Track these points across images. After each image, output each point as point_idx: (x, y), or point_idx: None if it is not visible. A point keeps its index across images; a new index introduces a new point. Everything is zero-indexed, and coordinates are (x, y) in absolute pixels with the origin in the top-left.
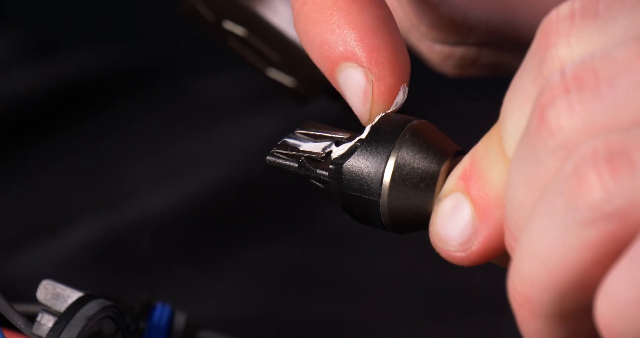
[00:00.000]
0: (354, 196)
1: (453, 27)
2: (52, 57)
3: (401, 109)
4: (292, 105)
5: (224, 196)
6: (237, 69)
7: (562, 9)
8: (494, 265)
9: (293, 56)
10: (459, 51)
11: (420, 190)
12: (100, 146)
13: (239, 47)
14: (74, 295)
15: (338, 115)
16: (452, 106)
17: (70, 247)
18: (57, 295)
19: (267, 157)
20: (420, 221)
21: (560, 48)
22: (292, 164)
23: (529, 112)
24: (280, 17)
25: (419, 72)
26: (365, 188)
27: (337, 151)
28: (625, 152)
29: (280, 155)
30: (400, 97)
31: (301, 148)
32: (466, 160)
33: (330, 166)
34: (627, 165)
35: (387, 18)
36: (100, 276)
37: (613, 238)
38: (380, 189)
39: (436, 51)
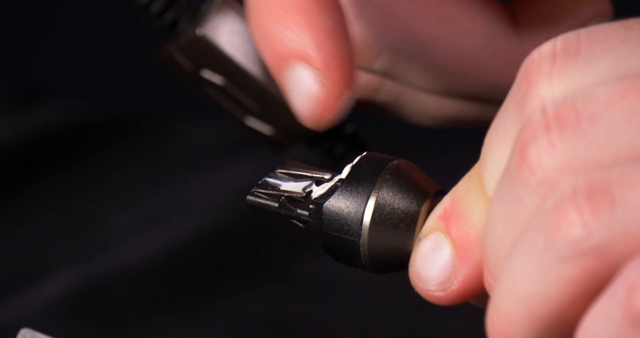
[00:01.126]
0: (335, 235)
1: (362, 48)
2: (30, 107)
3: (381, 150)
4: (271, 153)
5: (202, 244)
6: (215, 118)
7: (544, 49)
8: (475, 313)
9: (271, 105)
10: (364, 78)
11: (400, 230)
12: (79, 195)
13: (217, 96)
14: None
15: (316, 163)
16: (425, 157)
17: (49, 296)
18: None
19: (248, 196)
20: (400, 261)
21: (541, 87)
22: (272, 203)
23: (509, 150)
24: (258, 66)
25: (393, 125)
26: (346, 228)
27: (317, 191)
28: (606, 189)
29: (261, 195)
30: (347, 105)
31: (282, 188)
32: (446, 200)
33: (311, 206)
34: (607, 202)
35: (343, 22)
36: (79, 325)
37: (592, 275)
38: (361, 230)
39: None
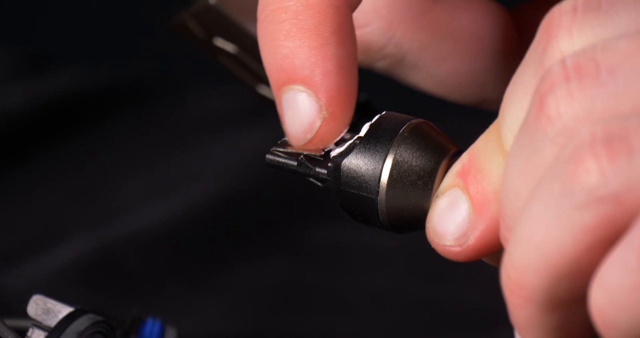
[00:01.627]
0: (352, 193)
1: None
2: (42, 75)
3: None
4: None
5: (214, 212)
6: (227, 85)
7: (565, 4)
8: (488, 281)
9: None
10: (363, 43)
11: (418, 188)
12: (91, 162)
13: (229, 64)
14: (64, 310)
15: None
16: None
17: (61, 263)
18: (48, 310)
19: (267, 155)
20: (418, 219)
21: (561, 40)
22: (291, 162)
23: (528, 105)
24: None
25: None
26: (364, 185)
27: (335, 150)
28: (624, 137)
29: (280, 153)
30: (339, 137)
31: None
32: (464, 156)
33: (329, 164)
34: (625, 150)
35: (355, 56)
36: (91, 291)
37: (609, 223)
38: (379, 187)
39: None
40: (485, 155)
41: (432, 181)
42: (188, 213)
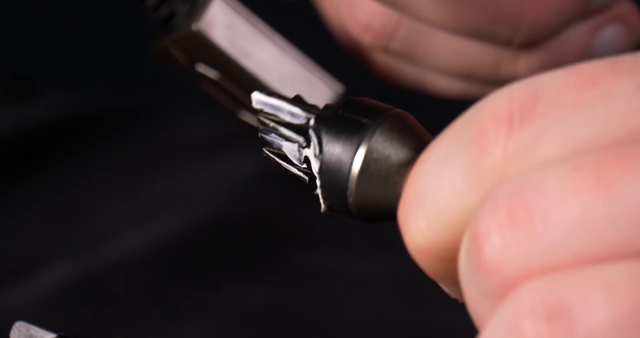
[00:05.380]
0: (327, 179)
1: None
2: (23, 100)
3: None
4: None
5: (198, 237)
6: (209, 111)
7: (500, 107)
8: None
9: None
10: (378, 21)
11: (391, 179)
12: (73, 188)
13: (212, 90)
14: (47, 336)
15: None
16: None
17: (44, 289)
18: (31, 336)
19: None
20: (389, 210)
21: (496, 156)
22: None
23: (465, 239)
24: (252, 61)
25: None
26: (336, 176)
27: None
28: (564, 309)
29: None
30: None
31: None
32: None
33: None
34: (566, 325)
35: None
36: (74, 318)
37: None
38: (349, 179)
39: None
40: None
41: (404, 171)
42: (171, 238)
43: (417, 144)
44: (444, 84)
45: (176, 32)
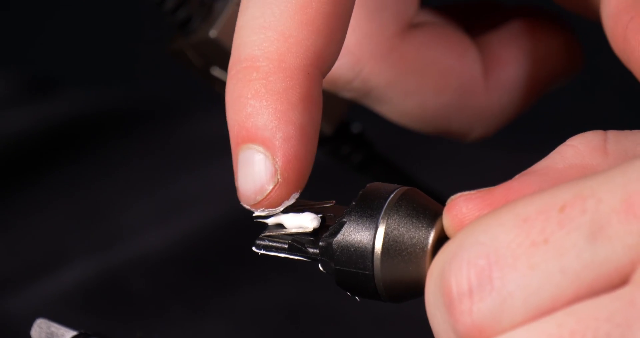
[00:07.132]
0: (348, 271)
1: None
2: (44, 98)
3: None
4: None
5: (218, 235)
6: None
7: (458, 281)
8: None
9: None
10: (332, 73)
11: (412, 256)
12: (95, 185)
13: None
14: (68, 334)
15: (323, 162)
16: (434, 153)
17: (65, 286)
18: (52, 334)
19: (256, 241)
20: (416, 288)
21: (466, 323)
22: (281, 246)
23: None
24: None
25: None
26: (359, 262)
27: (325, 229)
28: None
29: (269, 238)
30: (290, 202)
31: (288, 231)
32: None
33: (321, 244)
34: None
35: (318, 123)
36: (95, 315)
37: None
38: (372, 262)
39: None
40: None
41: (426, 247)
42: (192, 235)
43: (429, 220)
44: (398, 120)
45: (192, 36)
